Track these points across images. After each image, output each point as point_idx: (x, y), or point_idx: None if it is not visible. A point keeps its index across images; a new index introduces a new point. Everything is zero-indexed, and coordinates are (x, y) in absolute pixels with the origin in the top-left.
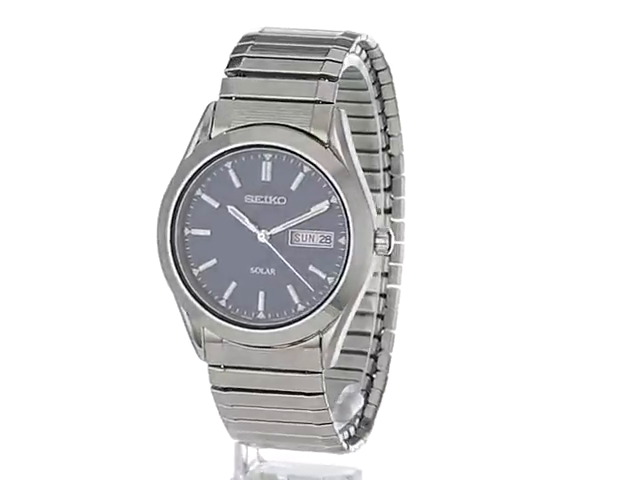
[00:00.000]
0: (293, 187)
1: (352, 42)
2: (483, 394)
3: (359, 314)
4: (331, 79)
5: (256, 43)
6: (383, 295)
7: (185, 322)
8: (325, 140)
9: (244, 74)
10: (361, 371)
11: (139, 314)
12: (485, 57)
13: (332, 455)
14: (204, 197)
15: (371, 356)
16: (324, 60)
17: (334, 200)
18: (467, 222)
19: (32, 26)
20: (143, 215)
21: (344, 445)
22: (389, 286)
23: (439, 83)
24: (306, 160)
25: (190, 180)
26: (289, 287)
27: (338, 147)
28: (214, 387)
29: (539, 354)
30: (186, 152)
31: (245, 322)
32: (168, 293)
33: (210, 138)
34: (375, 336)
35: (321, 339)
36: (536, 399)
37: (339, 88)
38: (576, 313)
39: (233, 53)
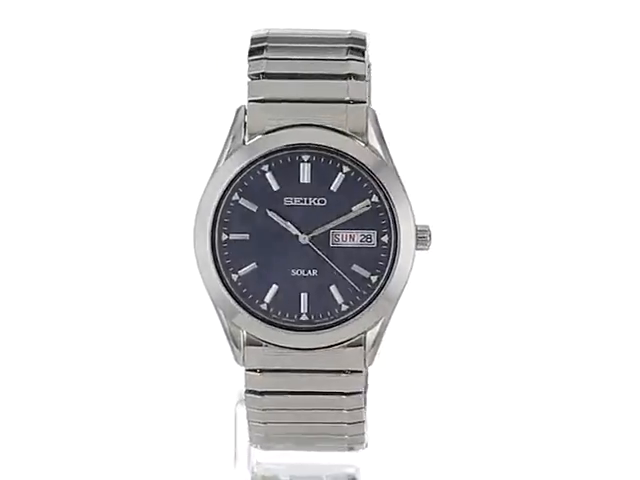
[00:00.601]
0: (333, 188)
1: (366, 41)
2: (483, 394)
3: None
4: (358, 78)
5: (271, 45)
6: None
7: (224, 326)
8: (363, 139)
9: (269, 76)
10: None
11: (145, 315)
12: (480, 55)
13: (332, 454)
14: (242, 201)
15: None
16: (347, 59)
17: (375, 199)
18: (463, 221)
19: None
20: (153, 219)
21: (365, 442)
22: None
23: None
24: (348, 158)
25: (228, 186)
26: (332, 288)
27: (377, 146)
28: (249, 391)
29: (537, 352)
30: (220, 158)
31: (288, 324)
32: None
33: (244, 143)
34: None
35: (365, 338)
36: (534, 397)
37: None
38: (573, 312)
39: (251, 56)
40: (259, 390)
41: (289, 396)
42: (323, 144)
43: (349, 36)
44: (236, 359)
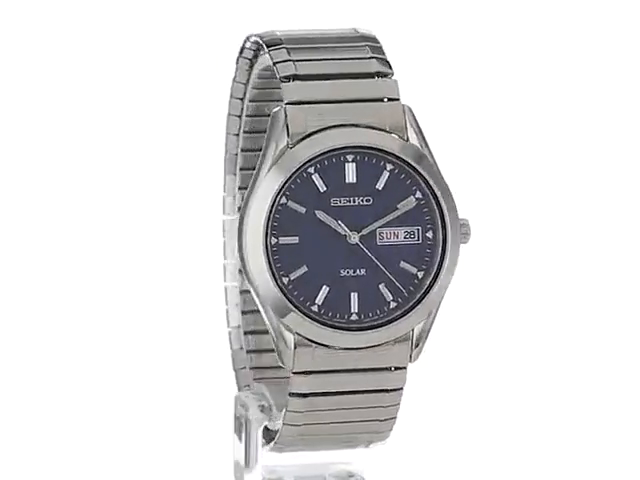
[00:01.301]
0: (379, 186)
1: (376, 38)
2: (484, 394)
3: None
4: (386, 75)
5: (290, 47)
6: None
7: (274, 330)
8: (403, 136)
9: (302, 78)
10: None
11: (148, 316)
12: (474, 52)
13: (333, 453)
14: (290, 204)
15: None
16: (370, 58)
17: (419, 195)
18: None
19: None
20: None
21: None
22: None
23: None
24: (391, 156)
25: (280, 190)
26: (381, 286)
27: (417, 141)
28: (293, 394)
29: (535, 351)
30: (263, 162)
31: (338, 325)
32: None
33: (289, 146)
34: None
35: (412, 334)
36: (534, 398)
37: None
38: (571, 311)
39: (274, 59)
40: (305, 392)
41: (333, 396)
42: (366, 144)
43: (359, 34)
44: (283, 363)
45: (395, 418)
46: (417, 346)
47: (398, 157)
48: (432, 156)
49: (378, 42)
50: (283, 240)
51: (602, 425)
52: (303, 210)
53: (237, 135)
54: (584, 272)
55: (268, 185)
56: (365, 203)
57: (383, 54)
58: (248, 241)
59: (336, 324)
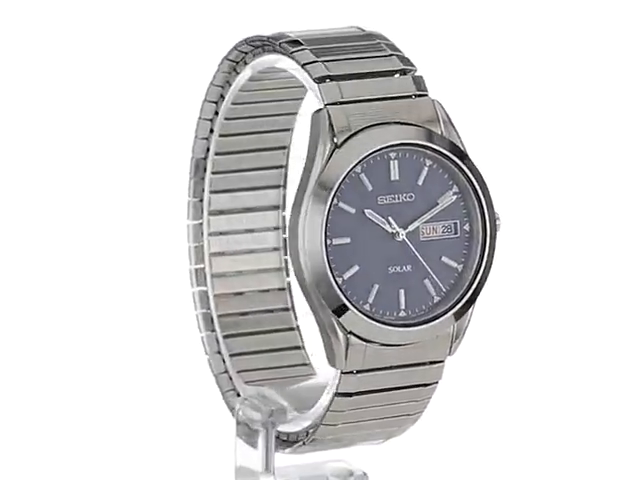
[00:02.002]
0: (420, 182)
1: (384, 35)
2: (485, 394)
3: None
4: (410, 71)
5: (310, 47)
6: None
7: (326, 331)
8: (438, 130)
9: (336, 78)
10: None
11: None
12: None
13: (334, 453)
14: (341, 205)
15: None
16: (390, 55)
17: (455, 189)
18: None
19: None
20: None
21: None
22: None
23: None
24: (429, 150)
25: (335, 193)
26: (426, 281)
27: (450, 134)
28: (340, 394)
29: (534, 350)
30: (313, 164)
31: (388, 322)
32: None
33: (337, 146)
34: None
35: (454, 328)
36: (534, 399)
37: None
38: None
39: (302, 60)
40: (352, 391)
41: (377, 394)
42: (407, 140)
43: (367, 33)
44: (334, 363)
45: (422, 412)
46: (456, 339)
47: (436, 151)
48: (465, 149)
49: (389, 39)
50: (336, 241)
51: (604, 426)
52: (353, 210)
53: (206, 139)
54: (588, 269)
55: (323, 188)
56: (408, 200)
57: (400, 51)
58: (306, 242)
59: (386, 321)
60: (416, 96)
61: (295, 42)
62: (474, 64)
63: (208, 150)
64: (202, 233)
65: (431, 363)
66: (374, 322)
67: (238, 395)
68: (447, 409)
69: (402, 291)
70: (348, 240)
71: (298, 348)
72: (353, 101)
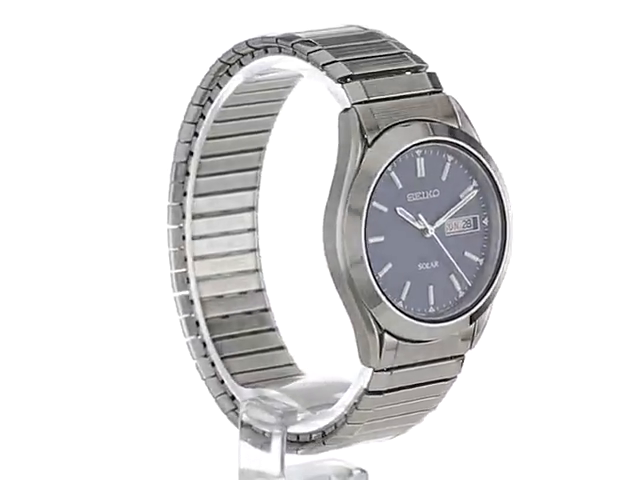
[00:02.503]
0: (443, 178)
1: (386, 33)
2: (484, 393)
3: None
4: (422, 68)
5: (325, 47)
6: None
7: (361, 329)
8: (456, 126)
9: (356, 78)
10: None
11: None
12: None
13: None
14: (375, 204)
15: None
16: (401, 53)
17: (475, 183)
18: None
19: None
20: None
21: None
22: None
23: None
24: (451, 145)
25: (372, 193)
26: (452, 276)
27: (469, 130)
28: (369, 392)
29: (533, 349)
30: (347, 164)
31: (420, 318)
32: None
33: (368, 145)
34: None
35: (477, 322)
36: (533, 398)
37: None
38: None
39: (321, 61)
40: (383, 389)
41: (405, 390)
42: (432, 137)
43: (370, 31)
44: (368, 362)
45: (436, 407)
46: (477, 332)
47: (458, 146)
48: (481, 142)
49: (394, 37)
50: (372, 240)
51: (605, 424)
52: (386, 209)
53: (189, 143)
54: (590, 267)
55: (360, 187)
56: (434, 196)
57: (408, 48)
58: (347, 243)
59: (418, 317)
60: (431, 92)
61: (309, 42)
62: (466, 61)
63: (191, 154)
64: (183, 237)
65: (453, 358)
66: (408, 319)
67: (232, 398)
68: (447, 409)
69: (431, 287)
70: (382, 238)
71: (282, 348)
72: (377, 100)
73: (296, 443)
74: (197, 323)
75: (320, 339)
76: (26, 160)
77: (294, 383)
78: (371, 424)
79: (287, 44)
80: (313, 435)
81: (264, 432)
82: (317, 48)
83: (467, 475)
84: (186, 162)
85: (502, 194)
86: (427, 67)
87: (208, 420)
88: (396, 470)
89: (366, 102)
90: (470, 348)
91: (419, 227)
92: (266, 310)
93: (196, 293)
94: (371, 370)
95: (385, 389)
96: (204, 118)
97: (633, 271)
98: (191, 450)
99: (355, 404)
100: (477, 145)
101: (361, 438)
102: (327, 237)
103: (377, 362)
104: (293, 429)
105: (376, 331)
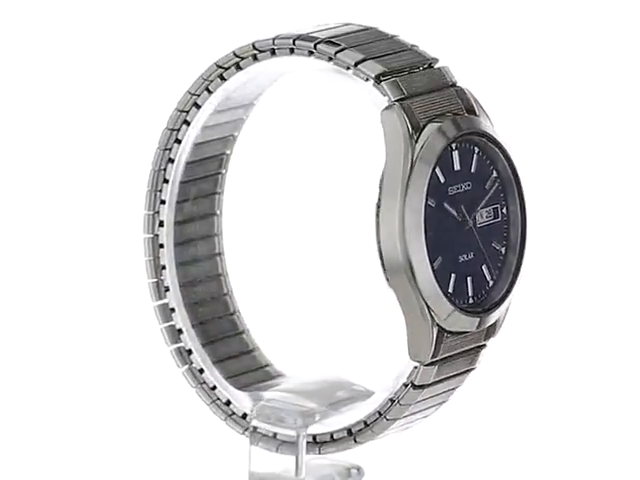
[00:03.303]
0: (472, 169)
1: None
2: (484, 392)
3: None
4: (435, 63)
5: (349, 46)
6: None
7: (417, 324)
8: (478, 117)
9: (392, 74)
10: None
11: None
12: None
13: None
14: (429, 201)
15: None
16: (411, 48)
17: (495, 174)
18: None
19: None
20: None
21: None
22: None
23: None
24: (476, 137)
25: (428, 188)
26: (484, 267)
27: (487, 120)
28: (416, 386)
29: (533, 348)
30: (397, 162)
31: (463, 309)
32: None
33: (416, 142)
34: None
35: None
36: (533, 399)
37: None
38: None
39: (353, 60)
40: (428, 383)
41: (443, 382)
42: (465, 131)
43: (373, 28)
44: (419, 356)
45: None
46: (500, 321)
47: (485, 137)
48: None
49: (395, 33)
50: (428, 234)
51: (605, 423)
52: (434, 204)
53: (169, 150)
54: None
55: (416, 185)
56: (467, 188)
57: (414, 44)
58: (407, 238)
59: (465, 310)
60: (451, 85)
61: (331, 43)
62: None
63: (171, 161)
64: (161, 245)
65: (481, 347)
66: (458, 311)
67: (228, 404)
68: (446, 408)
69: (469, 279)
70: (432, 233)
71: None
72: (413, 95)
73: (313, 444)
74: (180, 330)
75: (292, 339)
76: (25, 160)
77: (294, 383)
78: (407, 419)
79: (308, 45)
80: (334, 435)
81: (275, 435)
82: (342, 47)
83: (467, 475)
84: (164, 170)
85: (520, 182)
86: (438, 61)
87: (208, 423)
88: (396, 470)
89: (404, 99)
90: (493, 336)
91: (460, 220)
92: (234, 313)
93: (181, 300)
94: (418, 364)
95: (429, 382)
96: (188, 125)
97: (628, 269)
98: (194, 454)
99: (393, 399)
100: (493, 137)
101: (392, 431)
102: (386, 235)
103: (428, 355)
104: (311, 430)
105: (431, 323)
